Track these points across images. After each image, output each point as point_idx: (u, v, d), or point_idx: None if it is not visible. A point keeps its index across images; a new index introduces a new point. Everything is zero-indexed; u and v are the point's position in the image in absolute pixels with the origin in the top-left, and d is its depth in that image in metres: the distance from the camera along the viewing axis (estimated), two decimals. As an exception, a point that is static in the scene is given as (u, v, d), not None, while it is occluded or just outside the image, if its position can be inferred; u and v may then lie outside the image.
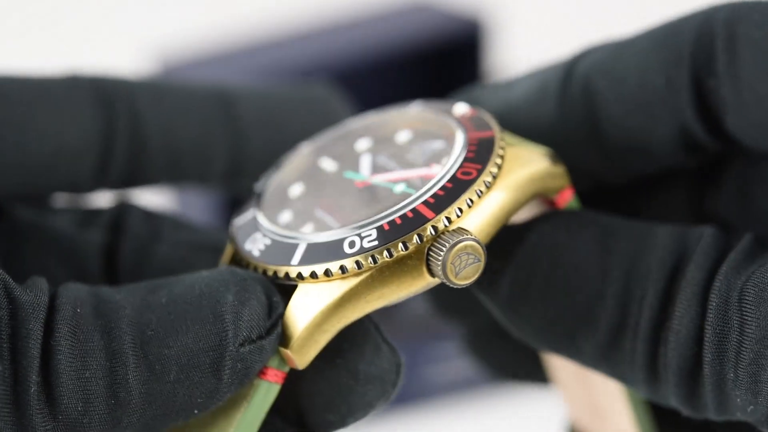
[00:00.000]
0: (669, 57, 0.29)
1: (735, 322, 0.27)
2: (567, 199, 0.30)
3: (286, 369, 0.27)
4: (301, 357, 0.27)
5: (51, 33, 1.08)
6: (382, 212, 0.27)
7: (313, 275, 0.27)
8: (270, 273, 0.28)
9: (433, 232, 0.27)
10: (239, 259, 0.29)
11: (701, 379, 0.27)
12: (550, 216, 0.29)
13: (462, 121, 0.30)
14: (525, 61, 0.93)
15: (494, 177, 0.28)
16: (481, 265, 0.27)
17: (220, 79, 0.76)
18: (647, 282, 0.28)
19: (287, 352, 0.27)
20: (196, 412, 0.26)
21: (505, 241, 0.29)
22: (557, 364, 0.33)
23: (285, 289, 0.27)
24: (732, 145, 0.30)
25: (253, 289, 0.27)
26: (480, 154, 0.28)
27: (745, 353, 0.26)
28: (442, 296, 0.34)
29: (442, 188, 0.28)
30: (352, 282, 0.27)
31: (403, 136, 0.31)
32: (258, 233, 0.29)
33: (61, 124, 0.31)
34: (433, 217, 0.27)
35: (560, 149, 0.31)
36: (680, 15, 0.30)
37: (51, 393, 0.25)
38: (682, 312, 0.27)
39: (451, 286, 0.27)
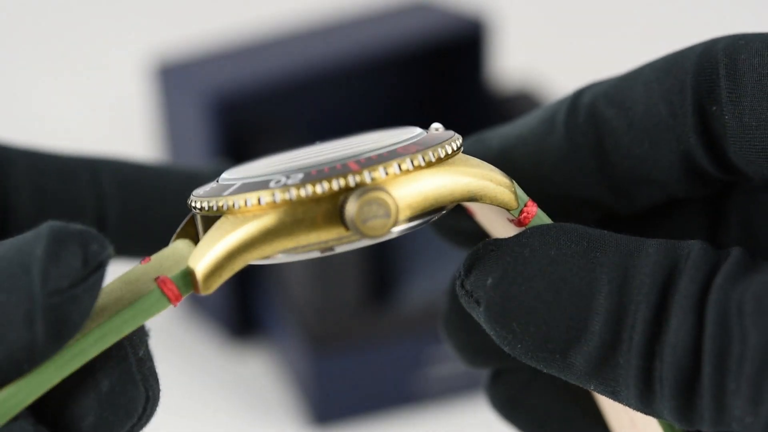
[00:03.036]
0: (672, 85, 0.30)
1: (736, 332, 0.27)
2: (532, 214, 0.30)
3: (187, 292, 0.28)
4: (207, 281, 0.28)
5: (51, 33, 1.08)
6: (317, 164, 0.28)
7: (234, 205, 0.28)
8: (202, 205, 0.29)
9: (353, 183, 0.27)
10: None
11: (698, 391, 0.27)
12: (541, 230, 0.29)
13: (427, 131, 0.31)
14: (526, 61, 0.94)
15: (435, 160, 0.28)
16: (390, 222, 0.27)
17: (220, 78, 0.77)
18: (640, 296, 0.28)
19: (196, 276, 0.28)
20: (25, 367, 0.27)
21: (495, 256, 0.29)
22: None
23: (214, 220, 0.29)
24: (735, 174, 0.30)
25: (66, 239, 0.27)
26: (428, 142, 0.29)
27: (748, 364, 0.26)
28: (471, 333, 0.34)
29: (378, 155, 0.28)
30: (267, 214, 0.27)
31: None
32: (212, 182, 0.30)
33: None
34: (359, 170, 0.27)
35: (569, 180, 0.31)
36: (681, 48, 0.30)
37: None
38: (677, 325, 0.27)
39: (360, 239, 0.28)
